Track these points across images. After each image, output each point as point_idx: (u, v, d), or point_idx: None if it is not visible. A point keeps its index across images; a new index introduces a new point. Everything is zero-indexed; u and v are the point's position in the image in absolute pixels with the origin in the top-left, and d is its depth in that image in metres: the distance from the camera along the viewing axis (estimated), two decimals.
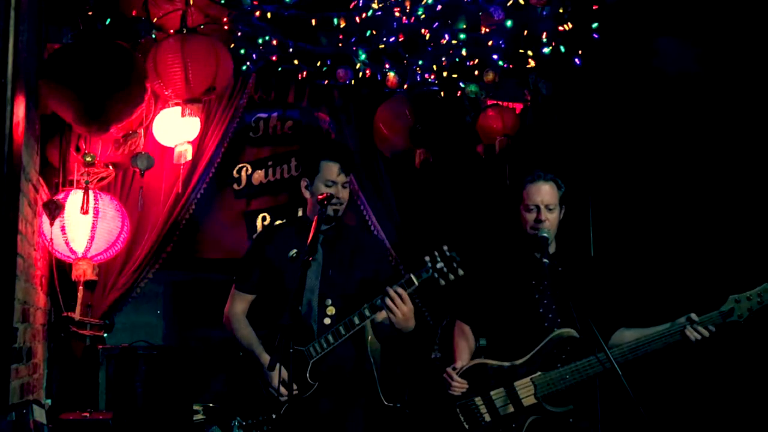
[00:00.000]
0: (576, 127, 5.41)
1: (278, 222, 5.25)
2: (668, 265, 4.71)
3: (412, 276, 3.05)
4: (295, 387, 3.15)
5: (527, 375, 3.25)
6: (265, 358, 3.25)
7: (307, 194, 3.43)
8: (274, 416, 3.16)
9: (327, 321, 3.30)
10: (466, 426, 3.28)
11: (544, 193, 3.34)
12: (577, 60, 5.07)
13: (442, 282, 3.02)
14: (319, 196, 3.26)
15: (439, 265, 3.01)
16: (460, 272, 3.00)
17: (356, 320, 3.15)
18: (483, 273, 3.49)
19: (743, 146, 4.47)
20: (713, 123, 4.60)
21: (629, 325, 3.29)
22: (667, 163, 4.83)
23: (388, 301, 3.03)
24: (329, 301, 3.32)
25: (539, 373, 3.23)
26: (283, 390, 3.17)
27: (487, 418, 3.27)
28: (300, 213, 5.07)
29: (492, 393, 3.28)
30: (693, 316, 3.11)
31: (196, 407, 4.31)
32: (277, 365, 3.04)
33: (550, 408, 3.22)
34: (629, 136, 5.05)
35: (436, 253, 3.02)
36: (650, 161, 4.93)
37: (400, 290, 3.04)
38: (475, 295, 3.50)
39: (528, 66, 5.26)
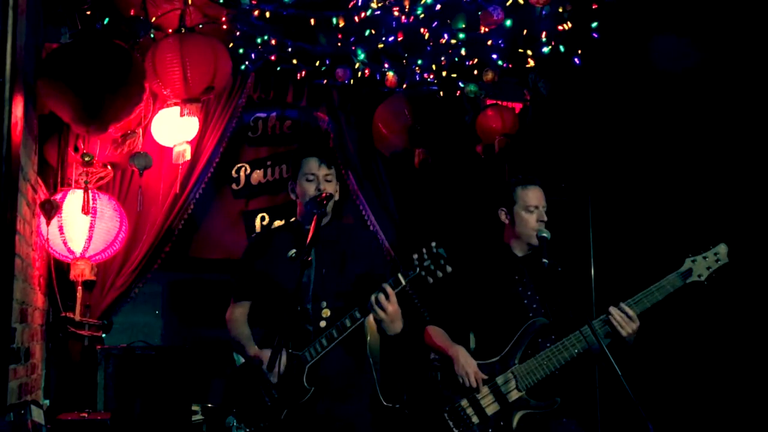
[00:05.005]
0: (575, 126, 5.40)
1: (276, 225, 5.26)
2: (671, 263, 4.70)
3: (400, 275, 3.01)
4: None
5: (507, 368, 3.22)
6: (253, 350, 3.22)
7: (293, 196, 3.43)
8: (275, 421, 3.12)
9: (323, 324, 3.23)
10: (456, 431, 3.22)
11: (542, 196, 3.44)
12: (576, 59, 5.06)
13: (430, 280, 2.96)
14: (318, 198, 3.24)
15: (426, 263, 2.95)
16: (448, 269, 2.94)
17: (348, 323, 3.11)
18: (463, 273, 3.44)
19: (742, 144, 4.47)
20: (712, 120, 4.60)
21: None
22: (666, 161, 4.83)
23: (375, 301, 3.00)
24: (324, 303, 3.26)
25: (518, 364, 3.22)
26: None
27: (475, 419, 3.22)
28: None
29: (477, 393, 3.23)
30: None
31: (194, 407, 4.30)
32: (278, 365, 3.01)
33: (535, 402, 3.19)
34: (629, 135, 5.04)
35: (424, 251, 2.97)
36: (649, 160, 4.92)
37: (388, 289, 2.99)
38: (457, 296, 3.46)
39: (527, 66, 5.25)
